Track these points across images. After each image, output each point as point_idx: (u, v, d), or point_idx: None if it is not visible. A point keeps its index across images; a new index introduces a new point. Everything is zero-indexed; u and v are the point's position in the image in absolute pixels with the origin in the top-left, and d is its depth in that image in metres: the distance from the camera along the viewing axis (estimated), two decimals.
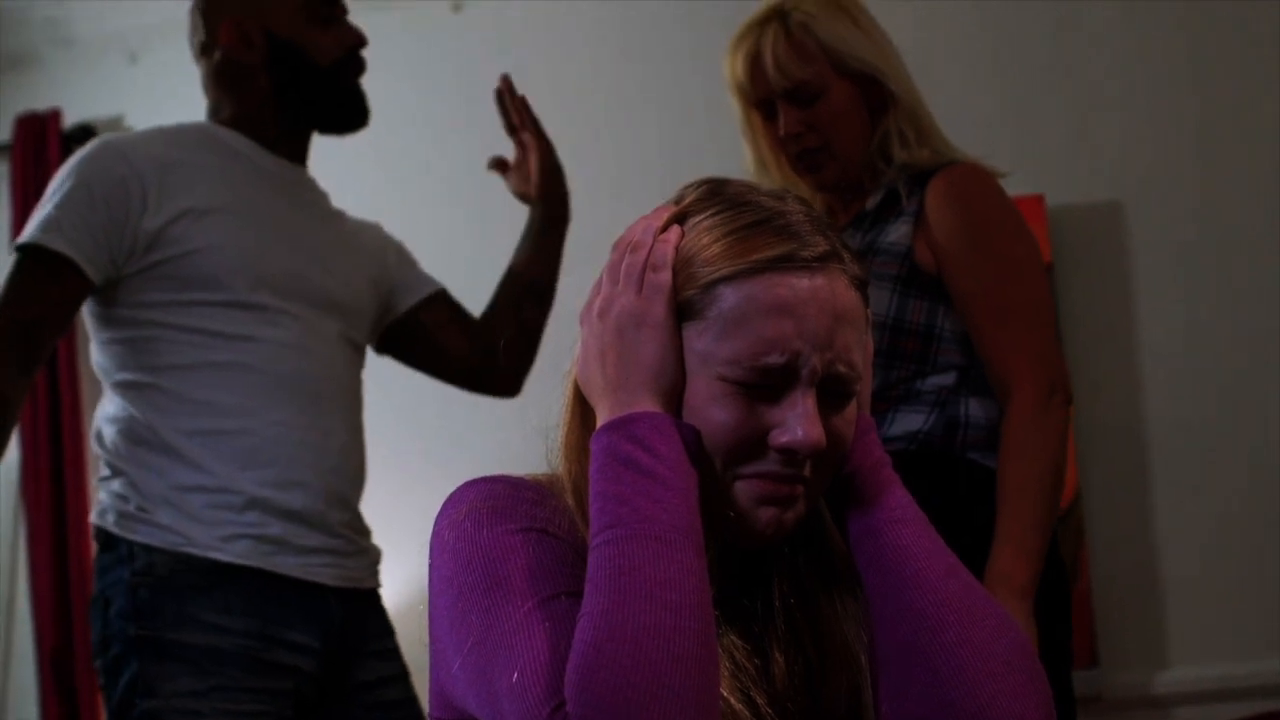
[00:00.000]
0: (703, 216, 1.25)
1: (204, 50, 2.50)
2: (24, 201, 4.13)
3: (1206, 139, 3.32)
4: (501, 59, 3.92)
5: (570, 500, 1.24)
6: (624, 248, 1.26)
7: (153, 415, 2.29)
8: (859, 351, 1.23)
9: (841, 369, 1.20)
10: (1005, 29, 3.50)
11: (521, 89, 3.86)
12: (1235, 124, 3.31)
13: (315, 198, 2.57)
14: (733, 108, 2.40)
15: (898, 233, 2.18)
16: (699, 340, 1.20)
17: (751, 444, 1.20)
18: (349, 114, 2.52)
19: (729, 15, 3.68)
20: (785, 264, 1.19)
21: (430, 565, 1.24)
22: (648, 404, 1.19)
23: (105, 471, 2.34)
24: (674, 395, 1.21)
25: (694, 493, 1.17)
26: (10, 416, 2.22)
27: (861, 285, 1.24)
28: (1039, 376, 2.09)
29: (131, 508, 2.27)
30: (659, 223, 1.26)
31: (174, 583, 2.22)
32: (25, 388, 2.25)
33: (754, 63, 2.28)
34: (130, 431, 2.31)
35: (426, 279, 2.68)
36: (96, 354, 2.39)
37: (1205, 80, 3.34)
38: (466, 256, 3.67)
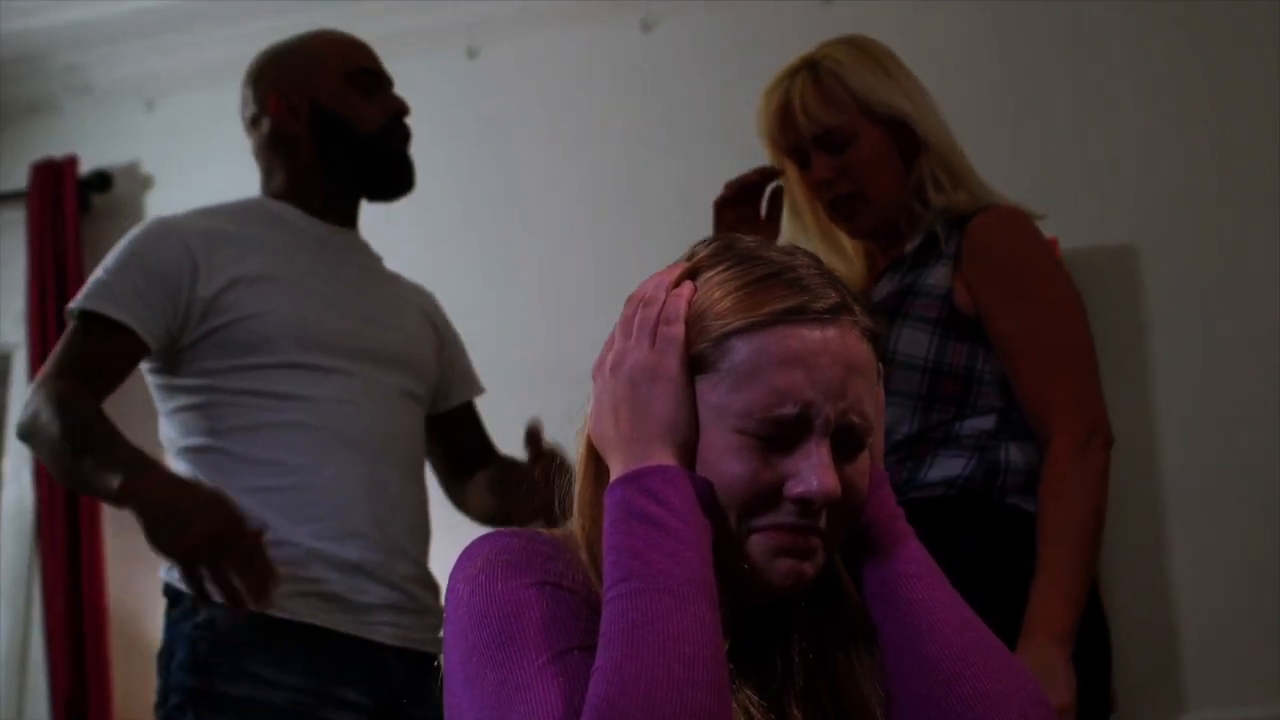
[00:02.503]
0: (714, 271, 1.25)
1: (254, 122, 2.59)
2: (41, 248, 4.15)
3: (1223, 183, 3.32)
4: (516, 104, 3.96)
5: (584, 555, 1.24)
6: (636, 303, 1.27)
7: (217, 477, 2.33)
8: (871, 403, 1.23)
9: (854, 419, 1.20)
10: (1021, 72, 3.51)
11: (535, 134, 3.91)
12: (1252, 168, 3.30)
13: (368, 260, 2.63)
14: (763, 155, 2.41)
15: (937, 275, 2.18)
16: (712, 393, 1.21)
17: (766, 496, 1.19)
18: (394, 180, 2.58)
19: (747, 56, 3.72)
20: (796, 316, 1.20)
21: (445, 618, 1.24)
22: (661, 457, 1.19)
23: None
24: (688, 448, 1.21)
25: (707, 546, 1.17)
26: (110, 429, 2.27)
27: (873, 337, 1.25)
28: (1078, 419, 2.08)
29: None
30: (671, 278, 1.27)
31: (233, 638, 2.25)
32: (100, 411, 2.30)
33: (784, 111, 2.30)
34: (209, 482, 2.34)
35: (469, 380, 2.74)
36: (163, 426, 2.45)
37: (1222, 123, 3.34)
38: (483, 296, 3.68)
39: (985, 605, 1.99)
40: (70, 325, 2.37)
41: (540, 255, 3.80)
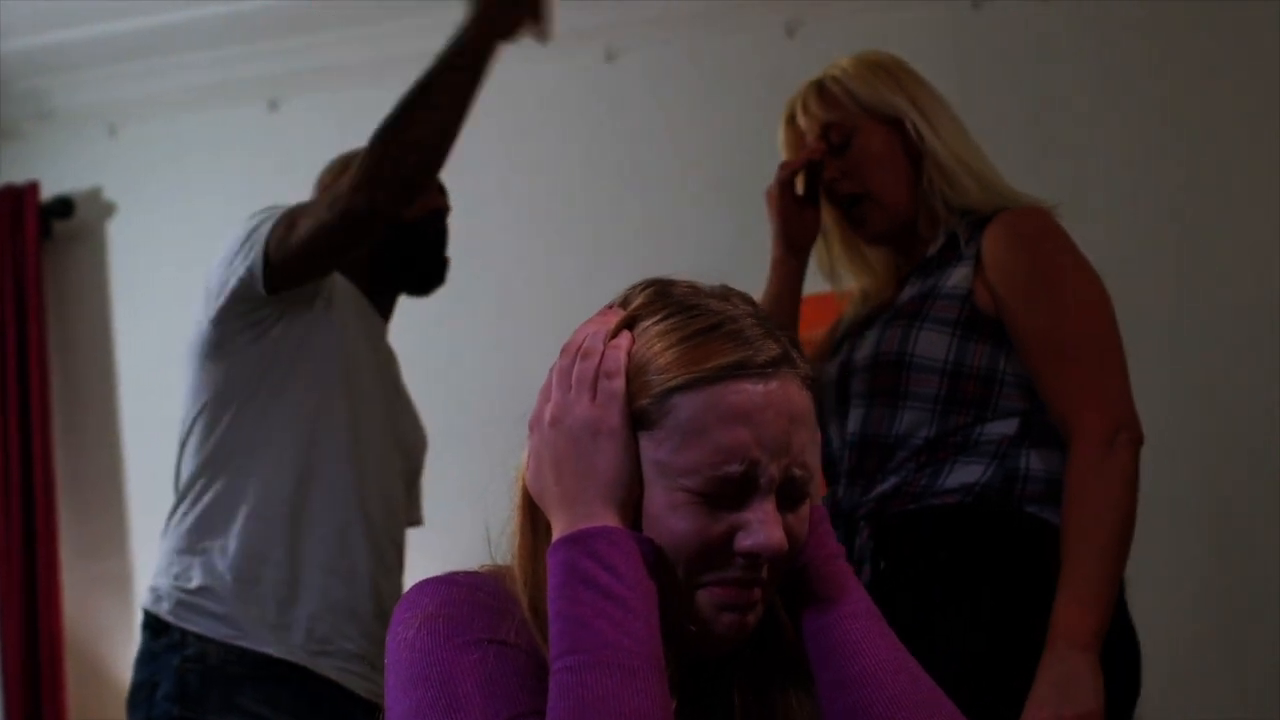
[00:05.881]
0: (651, 321, 1.23)
1: None
2: (0, 273, 4.13)
3: (1191, 209, 3.35)
4: (479, 133, 3.93)
5: (526, 612, 1.21)
6: (573, 353, 1.24)
7: (281, 485, 2.41)
8: (812, 452, 1.22)
9: (797, 472, 1.20)
10: (981, 102, 3.52)
11: (498, 163, 3.91)
12: (1217, 200, 3.34)
13: (396, 364, 2.72)
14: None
15: (957, 276, 2.15)
16: (656, 451, 1.19)
17: (714, 551, 1.18)
18: (427, 270, 2.67)
19: (710, 87, 3.73)
20: (739, 371, 1.18)
21: (387, 662, 1.23)
22: (605, 517, 1.18)
23: (171, 549, 2.43)
24: (631, 505, 1.19)
25: (655, 612, 1.15)
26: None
27: (812, 384, 1.24)
28: (1101, 416, 2.02)
29: (192, 587, 2.36)
30: (608, 327, 1.25)
31: (225, 672, 2.31)
32: None
33: (790, 124, 2.33)
34: (222, 497, 2.41)
35: (417, 505, 2.78)
36: (238, 414, 2.45)
37: (1191, 153, 3.38)
38: (438, 326, 3.68)
39: (1000, 615, 1.99)
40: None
41: (499, 284, 3.80)
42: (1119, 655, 1.99)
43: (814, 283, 2.38)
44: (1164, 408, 3.18)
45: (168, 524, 2.46)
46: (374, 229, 2.34)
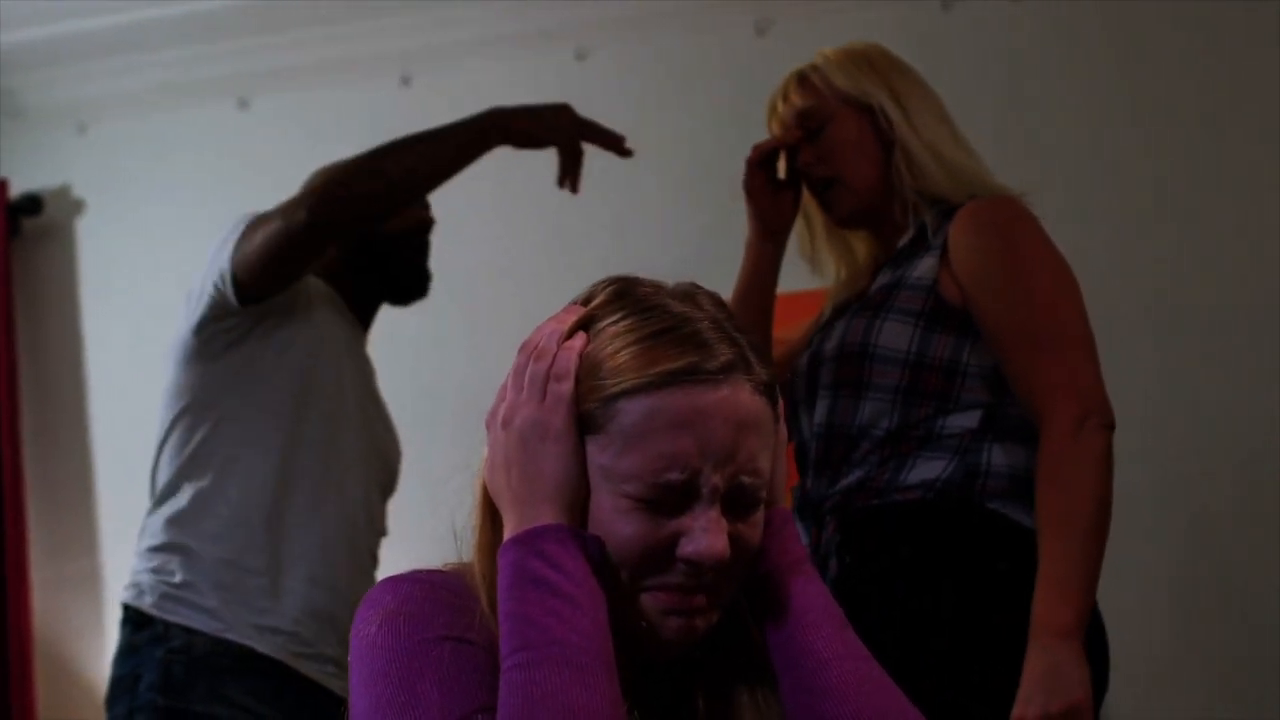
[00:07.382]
0: (608, 322, 1.23)
1: None
2: None
3: (1159, 215, 3.37)
4: None
5: (485, 608, 1.22)
6: (528, 353, 1.25)
7: (231, 496, 2.42)
8: (765, 457, 1.21)
9: (746, 480, 1.19)
10: (956, 104, 3.54)
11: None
12: (1189, 199, 3.36)
13: (374, 373, 2.73)
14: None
15: (923, 267, 2.16)
16: (601, 455, 1.19)
17: (657, 556, 1.18)
18: (408, 281, 2.71)
19: (680, 86, 3.73)
20: (688, 377, 1.17)
21: (350, 663, 1.23)
22: (552, 517, 1.18)
23: (150, 547, 2.43)
24: (579, 507, 1.20)
25: (603, 610, 1.16)
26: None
27: (768, 390, 1.23)
28: (1070, 400, 2.01)
29: (175, 581, 2.37)
30: (564, 328, 1.24)
31: (210, 663, 2.33)
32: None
33: (771, 113, 2.36)
34: (203, 501, 2.42)
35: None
36: (196, 433, 2.46)
37: (1159, 156, 3.40)
38: (413, 322, 3.68)
39: (961, 611, 1.99)
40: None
41: (467, 282, 3.79)
42: (1089, 651, 1.97)
43: (796, 280, 2.39)
44: (1145, 408, 3.21)
45: (145, 524, 2.47)
46: (314, 242, 2.37)
